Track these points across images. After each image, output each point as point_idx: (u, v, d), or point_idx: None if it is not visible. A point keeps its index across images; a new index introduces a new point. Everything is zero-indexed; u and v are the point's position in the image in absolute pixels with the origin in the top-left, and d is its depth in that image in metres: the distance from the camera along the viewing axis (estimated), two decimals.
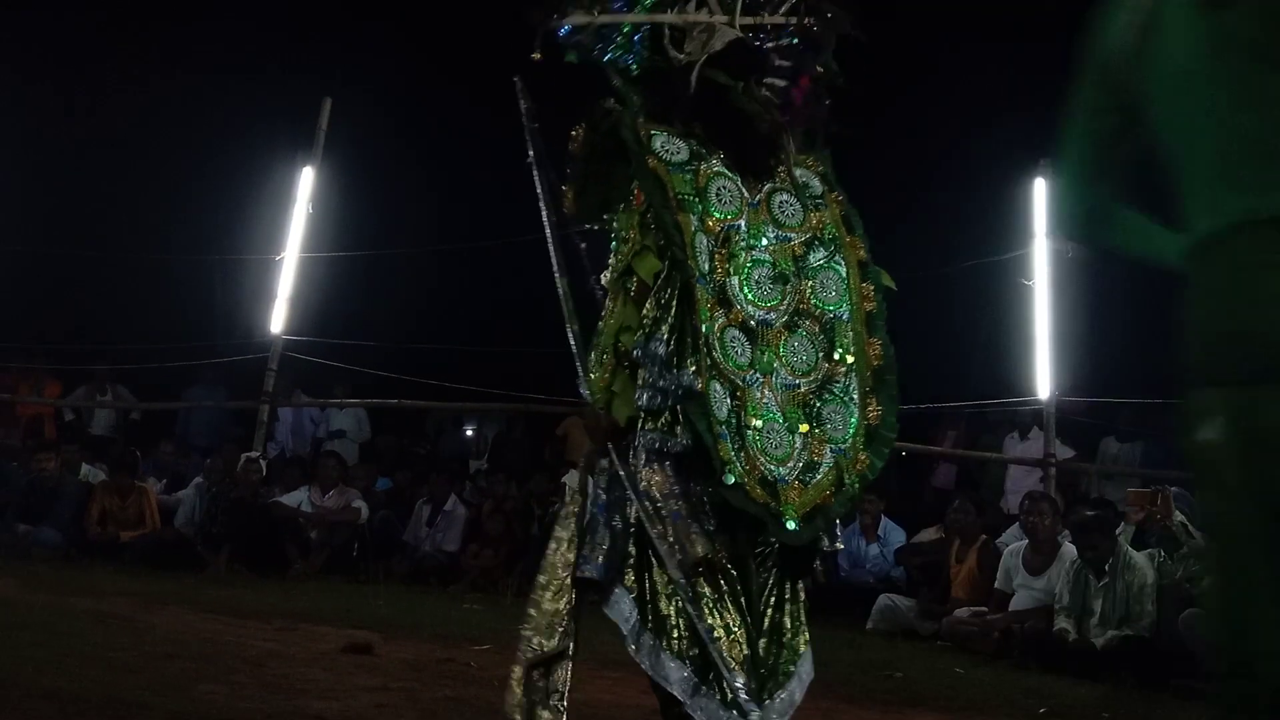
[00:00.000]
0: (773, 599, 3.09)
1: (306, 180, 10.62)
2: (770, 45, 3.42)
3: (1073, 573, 6.98)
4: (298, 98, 11.38)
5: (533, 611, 3.21)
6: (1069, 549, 7.23)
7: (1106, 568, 6.81)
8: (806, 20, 3.43)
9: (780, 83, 3.39)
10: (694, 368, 2.95)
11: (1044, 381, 8.82)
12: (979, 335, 10.52)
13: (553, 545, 3.25)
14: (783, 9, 3.45)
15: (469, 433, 13.08)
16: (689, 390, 2.95)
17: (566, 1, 3.30)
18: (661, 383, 2.99)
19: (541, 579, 3.24)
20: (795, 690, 3.05)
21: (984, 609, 7.61)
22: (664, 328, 2.99)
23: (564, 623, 3.17)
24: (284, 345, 10.50)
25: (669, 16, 3.34)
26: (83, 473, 10.30)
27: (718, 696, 2.90)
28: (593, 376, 3.17)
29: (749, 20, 3.39)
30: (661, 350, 2.97)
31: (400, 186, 12.78)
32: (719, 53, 3.27)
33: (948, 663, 6.80)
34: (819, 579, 8.03)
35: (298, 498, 9.65)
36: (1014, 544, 7.78)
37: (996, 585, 7.60)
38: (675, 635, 2.95)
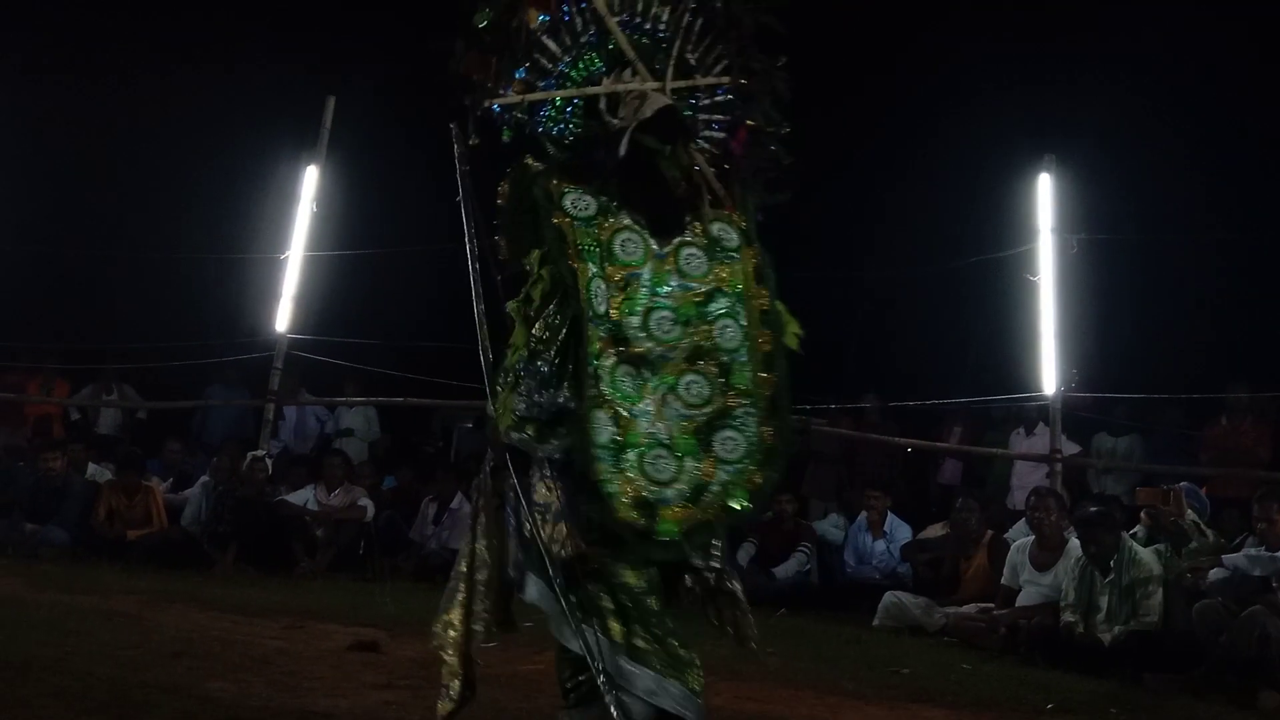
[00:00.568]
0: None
1: (311, 179, 10.62)
2: (706, 103, 3.89)
3: (1079, 568, 6.97)
4: (301, 96, 11.38)
5: (477, 608, 3.62)
6: (1075, 545, 7.22)
7: (1112, 563, 6.81)
8: (739, 78, 3.87)
9: (719, 134, 3.87)
10: (572, 391, 3.35)
11: (1049, 377, 8.80)
12: (984, 331, 10.51)
13: (483, 543, 3.62)
14: (715, 69, 3.88)
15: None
16: (562, 409, 3.36)
17: (496, 85, 3.65)
18: (537, 397, 3.40)
19: (481, 577, 3.62)
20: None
21: (991, 605, 7.61)
22: (552, 350, 3.40)
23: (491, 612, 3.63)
24: (289, 344, 10.50)
25: (601, 88, 3.74)
26: (89, 472, 10.32)
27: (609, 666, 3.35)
28: (501, 396, 3.51)
29: (682, 84, 3.82)
30: (545, 369, 3.39)
31: (404, 184, 12.78)
32: (649, 119, 3.65)
33: (954, 659, 6.79)
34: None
35: (304, 496, 9.67)
36: (1020, 540, 7.78)
37: (1003, 581, 7.59)
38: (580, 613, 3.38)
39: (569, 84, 3.76)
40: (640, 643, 3.42)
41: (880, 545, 9.17)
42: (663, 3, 3.85)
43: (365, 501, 9.54)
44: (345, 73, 11.84)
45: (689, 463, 3.46)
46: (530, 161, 3.64)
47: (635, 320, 3.48)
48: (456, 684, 3.71)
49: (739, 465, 3.52)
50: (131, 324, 12.76)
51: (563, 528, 3.37)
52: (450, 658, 3.69)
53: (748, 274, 3.66)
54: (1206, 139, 11.35)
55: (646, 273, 3.54)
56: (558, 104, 3.77)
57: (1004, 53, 12.11)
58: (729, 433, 3.52)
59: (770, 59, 3.94)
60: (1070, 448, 9.36)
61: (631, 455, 3.39)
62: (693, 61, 3.89)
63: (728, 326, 3.60)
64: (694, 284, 3.59)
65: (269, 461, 10.02)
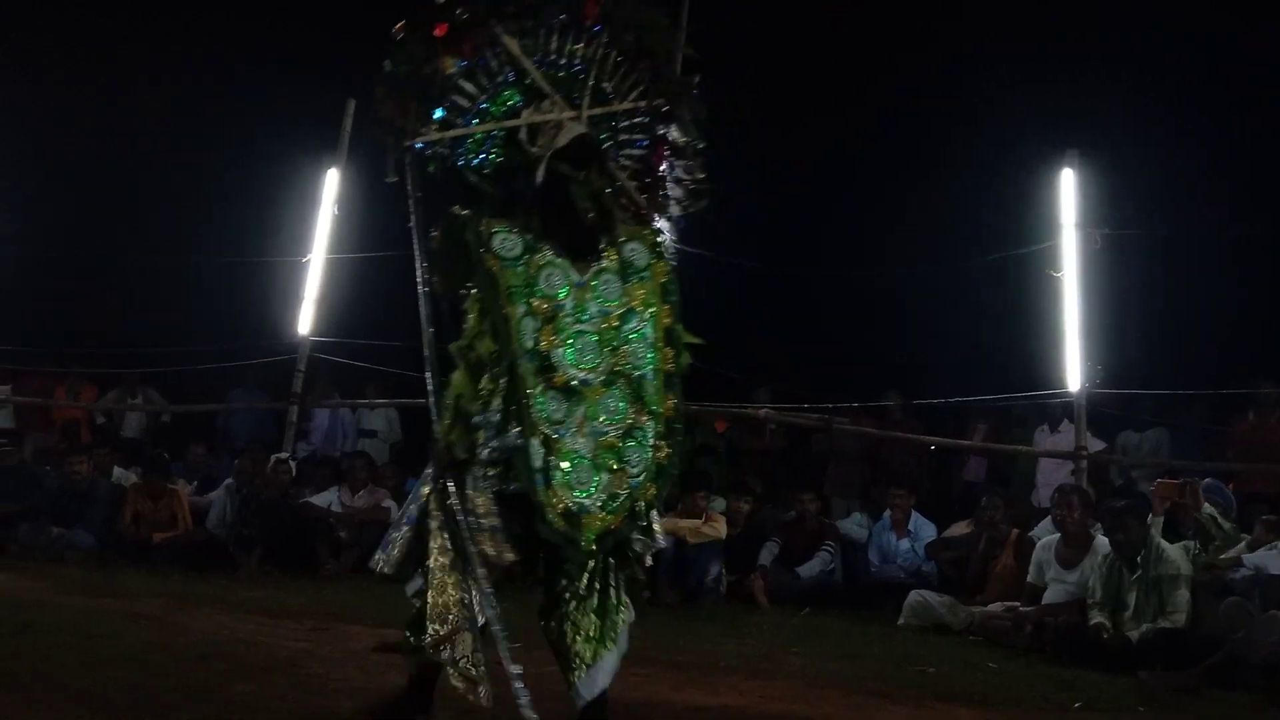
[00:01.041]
0: (595, 593, 3.96)
1: (332, 182, 10.65)
2: (626, 124, 4.28)
3: (1105, 566, 6.92)
4: (321, 100, 11.41)
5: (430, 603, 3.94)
6: (1101, 542, 7.17)
7: (1139, 560, 6.76)
8: (656, 100, 4.26)
9: (641, 151, 4.29)
10: (517, 429, 3.76)
11: (1074, 374, 8.74)
12: (1007, 328, 10.45)
13: (434, 545, 3.93)
14: (632, 95, 4.26)
15: None
16: (515, 448, 3.77)
17: (416, 126, 4.01)
18: (494, 443, 3.79)
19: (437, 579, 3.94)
20: (611, 658, 3.98)
21: (1016, 603, 7.56)
22: (496, 400, 3.80)
23: (455, 609, 3.91)
24: (312, 347, 10.53)
25: (520, 120, 4.09)
26: (115, 476, 10.38)
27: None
28: (445, 422, 3.92)
29: (599, 110, 4.20)
30: (496, 419, 3.79)
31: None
32: (564, 147, 4.01)
33: (980, 657, 6.75)
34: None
35: (328, 498, 9.69)
36: (1046, 537, 7.73)
37: (1029, 579, 7.54)
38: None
39: (488, 119, 4.12)
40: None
41: (905, 544, 9.13)
42: (576, 40, 4.17)
43: (389, 503, 9.55)
44: (366, 76, 11.86)
45: (604, 475, 3.86)
46: (459, 210, 4.00)
47: (560, 350, 3.86)
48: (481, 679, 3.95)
49: (639, 479, 3.92)
50: (156, 328, 12.84)
51: (498, 538, 3.82)
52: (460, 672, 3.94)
53: (656, 291, 4.03)
54: (1231, 132, 11.26)
55: (569, 303, 3.91)
56: (478, 138, 4.13)
57: (1025, 47, 12.04)
58: (635, 446, 3.93)
59: (685, 80, 4.32)
60: (1095, 444, 9.30)
61: (559, 472, 3.80)
62: (609, 90, 4.26)
63: (639, 346, 3.98)
64: (610, 307, 3.97)
65: (293, 464, 10.05)
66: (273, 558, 9.15)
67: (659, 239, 4.15)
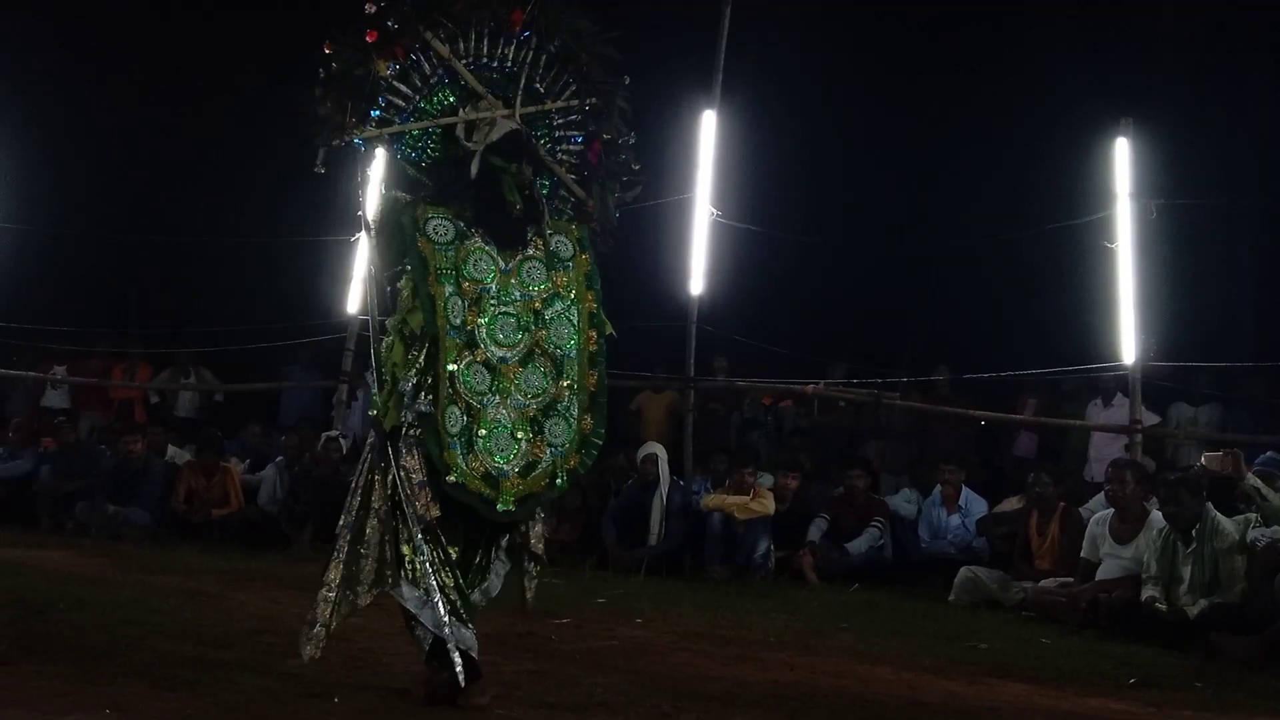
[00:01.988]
0: (492, 549, 4.44)
1: (379, 161, 10.67)
2: (560, 121, 4.66)
3: (1161, 539, 6.83)
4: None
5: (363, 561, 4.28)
6: (1156, 516, 7.08)
7: (1194, 533, 6.67)
8: (589, 100, 4.64)
9: (577, 147, 4.68)
10: (430, 398, 4.14)
11: (1128, 346, 8.60)
12: (1060, 301, 10.31)
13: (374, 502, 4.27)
14: (564, 95, 4.63)
15: None
16: (421, 414, 4.14)
17: (352, 125, 4.38)
18: (405, 407, 4.16)
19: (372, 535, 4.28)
20: (493, 584, 4.47)
21: (1070, 579, 7.49)
22: (413, 371, 4.19)
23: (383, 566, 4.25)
24: (360, 325, 10.60)
25: (458, 118, 4.47)
26: (169, 454, 10.52)
27: (438, 609, 4.15)
28: (382, 394, 4.25)
29: (533, 108, 4.58)
30: (408, 388, 4.17)
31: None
32: (496, 141, 4.39)
33: (1033, 633, 6.70)
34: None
35: None
36: (1100, 512, 7.63)
37: (1083, 555, 7.46)
38: (410, 568, 4.19)
39: (424, 117, 4.51)
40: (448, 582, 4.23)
41: (955, 519, 9.07)
42: (508, 43, 4.54)
43: None
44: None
45: (523, 444, 4.25)
46: (399, 194, 4.43)
47: (484, 329, 4.26)
48: (321, 633, 4.26)
49: (562, 448, 4.31)
50: (208, 308, 12.98)
51: (427, 492, 4.14)
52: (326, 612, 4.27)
53: (580, 280, 4.43)
54: None
55: (494, 287, 4.31)
56: (415, 134, 4.52)
57: (1078, 13, 11.83)
58: (556, 420, 4.32)
59: (615, 80, 4.67)
60: (1150, 418, 9.16)
61: (480, 439, 4.19)
62: (542, 89, 4.62)
63: (563, 327, 4.38)
64: (534, 292, 4.36)
65: (343, 441, 10.13)
66: (325, 534, 9.22)
67: (583, 234, 4.53)
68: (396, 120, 4.47)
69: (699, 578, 8.48)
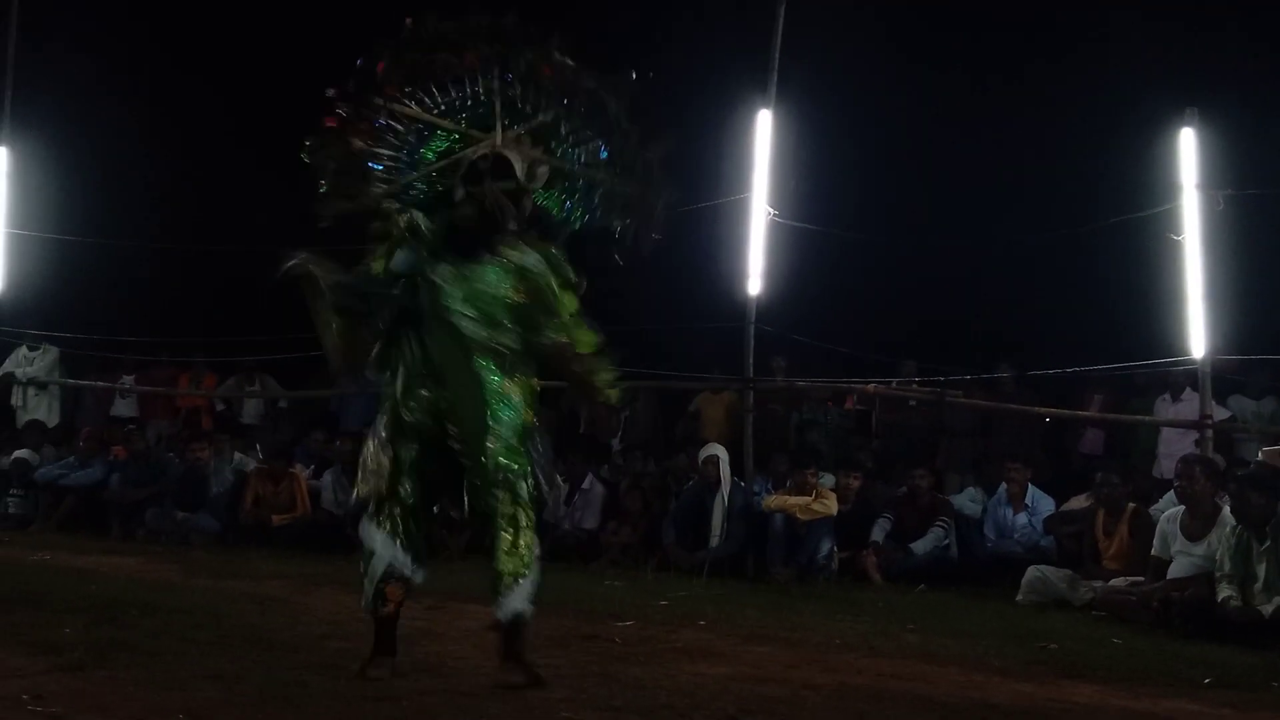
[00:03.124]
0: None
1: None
2: (567, 130, 4.77)
3: (1234, 537, 6.70)
4: None
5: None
6: (1229, 513, 6.94)
7: (1268, 529, 6.53)
8: (572, 102, 4.74)
9: (598, 145, 4.80)
10: (386, 377, 4.59)
11: (1198, 340, 8.44)
12: (1126, 295, 10.14)
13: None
14: (546, 107, 4.72)
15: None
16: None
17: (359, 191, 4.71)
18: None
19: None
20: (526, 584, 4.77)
21: (1140, 578, 7.36)
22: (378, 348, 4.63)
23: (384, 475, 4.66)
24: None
25: (461, 156, 4.63)
26: (235, 461, 10.67)
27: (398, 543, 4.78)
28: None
29: (530, 125, 4.70)
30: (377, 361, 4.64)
31: None
32: (489, 169, 4.55)
33: (1104, 633, 6.59)
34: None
35: None
36: (1171, 510, 7.49)
37: (1154, 553, 7.32)
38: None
39: (422, 165, 4.74)
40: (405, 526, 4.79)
41: (1022, 518, 8.96)
42: (473, 82, 4.69)
43: None
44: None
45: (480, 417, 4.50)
46: (391, 204, 4.67)
47: (438, 319, 4.51)
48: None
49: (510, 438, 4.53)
50: (269, 316, 13.11)
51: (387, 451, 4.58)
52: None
53: (540, 290, 4.59)
54: None
55: (456, 290, 4.51)
56: (420, 184, 4.75)
57: (1139, 2, 11.63)
58: (506, 408, 4.52)
59: (600, 76, 4.75)
60: (1221, 414, 8.99)
61: (445, 403, 4.51)
62: (527, 108, 4.73)
63: (515, 330, 4.56)
64: (495, 296, 4.53)
65: None
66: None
67: (553, 252, 4.68)
68: (397, 178, 4.74)
69: (762, 579, 8.45)
